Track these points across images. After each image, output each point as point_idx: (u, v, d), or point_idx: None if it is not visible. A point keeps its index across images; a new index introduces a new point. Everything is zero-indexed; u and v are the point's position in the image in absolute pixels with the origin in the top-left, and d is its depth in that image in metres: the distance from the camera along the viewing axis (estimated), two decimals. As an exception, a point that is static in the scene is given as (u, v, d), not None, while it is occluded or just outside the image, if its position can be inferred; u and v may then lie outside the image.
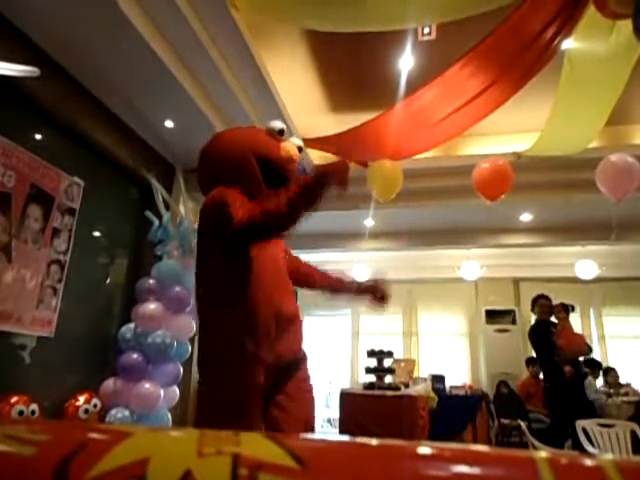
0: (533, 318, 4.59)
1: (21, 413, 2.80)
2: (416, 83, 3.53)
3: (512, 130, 4.61)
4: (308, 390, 1.63)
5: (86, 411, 3.29)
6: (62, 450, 0.33)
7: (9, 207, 2.97)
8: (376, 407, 3.90)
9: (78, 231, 3.54)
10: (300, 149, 1.74)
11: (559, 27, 2.93)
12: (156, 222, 3.61)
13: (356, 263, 6.92)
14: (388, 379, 4.40)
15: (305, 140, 4.33)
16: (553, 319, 4.38)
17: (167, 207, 3.75)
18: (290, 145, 1.70)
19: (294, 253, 1.87)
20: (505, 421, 5.61)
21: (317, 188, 1.37)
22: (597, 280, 6.70)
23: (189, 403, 4.22)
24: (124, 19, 2.78)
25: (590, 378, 5.01)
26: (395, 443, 0.36)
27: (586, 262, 6.27)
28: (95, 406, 3.34)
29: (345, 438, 0.36)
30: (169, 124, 3.94)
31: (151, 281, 3.46)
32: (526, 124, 4.38)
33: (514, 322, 7.22)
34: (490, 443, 5.25)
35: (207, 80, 3.57)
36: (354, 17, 2.93)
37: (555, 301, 4.45)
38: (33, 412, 2.88)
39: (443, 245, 6.59)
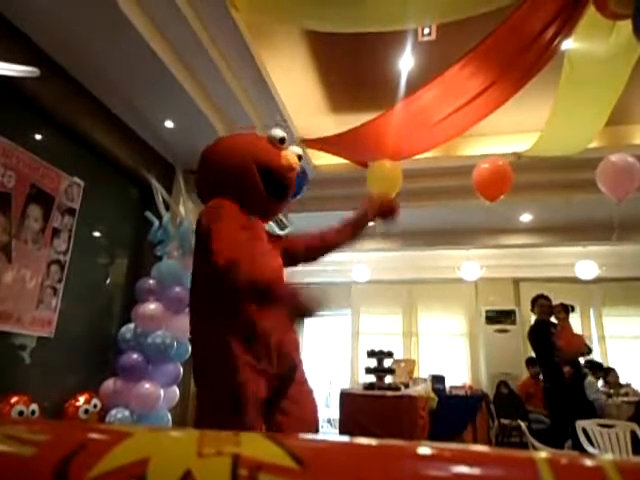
0: (533, 318, 4.58)
1: (21, 413, 2.80)
2: (416, 83, 3.53)
3: (512, 130, 4.61)
4: (309, 392, 1.64)
5: (86, 411, 3.29)
6: (62, 450, 0.33)
7: (9, 207, 2.97)
8: (376, 407, 3.90)
9: (78, 231, 3.53)
10: (300, 157, 1.76)
11: (559, 27, 2.93)
12: (156, 222, 3.61)
13: (356, 263, 6.93)
14: (388, 379, 4.40)
15: (305, 140, 4.34)
16: (553, 319, 4.38)
17: (167, 207, 3.75)
18: (291, 154, 1.71)
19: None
20: (505, 421, 5.61)
21: (274, 300, 1.39)
22: (597, 280, 6.71)
23: (189, 403, 4.22)
24: (124, 19, 2.78)
25: (590, 378, 5.01)
26: (395, 443, 0.36)
27: (586, 262, 6.28)
28: (95, 406, 3.34)
29: (345, 438, 0.36)
30: (169, 124, 3.94)
31: (151, 281, 3.46)
32: (526, 124, 4.38)
33: (514, 322, 7.22)
34: (490, 443, 5.26)
35: (207, 80, 3.57)
36: (354, 17, 2.93)
37: (555, 301, 4.45)
38: (33, 412, 2.88)
39: (443, 245, 6.59)
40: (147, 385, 3.20)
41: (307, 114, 4.51)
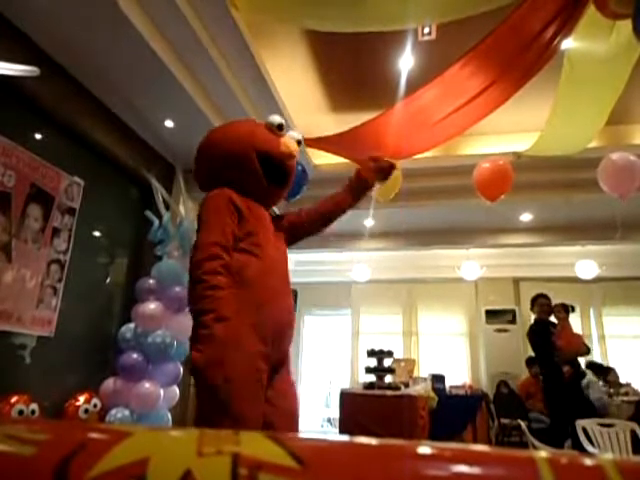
0: (533, 318, 4.59)
1: (21, 413, 2.80)
2: (416, 83, 3.53)
3: (512, 130, 4.61)
4: (293, 384, 1.64)
5: (86, 411, 3.29)
6: (62, 450, 0.33)
7: (9, 207, 2.97)
8: (376, 407, 3.91)
9: (78, 231, 3.54)
10: (299, 143, 1.74)
11: (559, 27, 2.92)
12: (156, 222, 3.61)
13: (356, 263, 6.93)
14: (388, 379, 4.40)
15: (305, 140, 4.33)
16: (552, 319, 4.38)
17: (167, 207, 3.75)
18: (290, 140, 1.70)
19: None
20: (505, 421, 5.62)
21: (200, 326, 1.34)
22: (597, 280, 6.71)
23: (189, 403, 4.22)
24: (124, 19, 2.78)
25: (592, 378, 5.02)
26: (395, 443, 0.36)
27: (586, 262, 6.27)
28: (95, 406, 3.35)
29: (345, 438, 0.36)
30: (169, 124, 3.94)
31: (151, 281, 3.46)
32: (526, 124, 4.38)
33: (514, 322, 7.22)
34: (490, 443, 5.26)
35: (207, 80, 3.57)
36: (354, 17, 2.93)
37: (555, 301, 4.45)
38: (33, 412, 2.89)
39: (443, 245, 6.59)
40: (147, 385, 3.20)
41: (307, 113, 4.51)
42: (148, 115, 3.83)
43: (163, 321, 3.33)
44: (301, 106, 4.40)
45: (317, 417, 7.95)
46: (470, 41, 3.08)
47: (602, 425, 3.46)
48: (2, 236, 2.93)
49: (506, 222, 6.02)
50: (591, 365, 5.80)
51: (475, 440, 5.05)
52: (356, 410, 3.96)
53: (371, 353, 4.46)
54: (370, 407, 3.92)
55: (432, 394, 5.06)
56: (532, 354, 4.78)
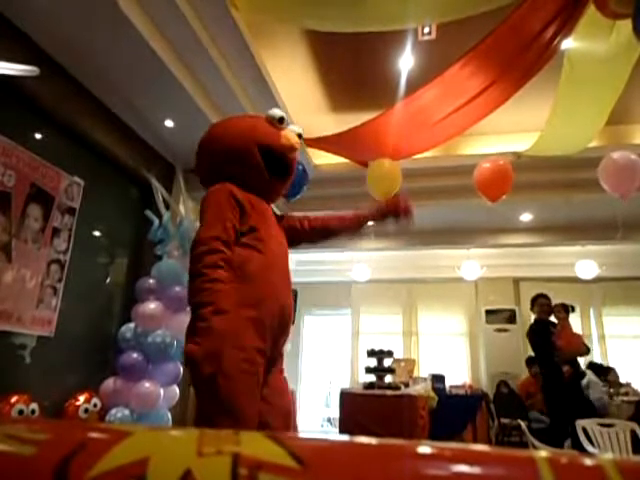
0: (533, 317, 4.59)
1: (21, 412, 2.80)
2: (416, 83, 3.53)
3: (512, 130, 4.61)
4: (286, 381, 1.64)
5: (86, 410, 3.29)
6: (62, 450, 0.33)
7: (9, 207, 2.97)
8: (376, 407, 3.91)
9: (78, 231, 3.53)
10: (300, 136, 1.74)
11: (559, 27, 2.93)
12: (156, 222, 3.61)
13: (356, 263, 6.93)
14: (388, 379, 4.40)
15: (305, 140, 4.33)
16: (552, 319, 4.38)
17: (167, 207, 3.75)
18: (291, 133, 1.70)
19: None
20: (505, 421, 5.62)
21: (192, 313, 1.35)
22: (597, 280, 6.71)
23: (189, 402, 4.22)
24: (124, 19, 2.78)
25: (591, 377, 5.02)
26: (395, 443, 0.36)
27: (586, 262, 6.28)
28: (95, 405, 3.35)
29: (345, 438, 0.36)
30: (169, 123, 3.94)
31: (151, 281, 3.46)
32: (526, 124, 4.38)
33: (514, 322, 7.22)
34: (490, 443, 5.26)
35: (207, 79, 3.57)
36: (354, 17, 2.93)
37: (555, 301, 4.45)
38: (33, 411, 2.89)
39: (443, 245, 6.59)
40: (147, 384, 3.20)
41: (307, 113, 4.51)
42: (148, 115, 3.83)
43: (163, 321, 3.33)
44: (301, 106, 4.40)
45: (317, 417, 7.95)
46: (470, 41, 3.08)
47: (602, 425, 3.46)
48: (2, 236, 2.93)
49: (506, 222, 6.02)
50: (592, 365, 5.80)
51: (475, 440, 5.05)
52: (356, 410, 3.96)
53: (371, 353, 4.46)
54: (370, 407, 3.92)
55: (432, 394, 5.06)
56: (532, 354, 4.78)
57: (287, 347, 1.65)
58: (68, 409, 3.26)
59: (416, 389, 4.65)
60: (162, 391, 3.27)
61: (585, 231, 5.94)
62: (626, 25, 2.53)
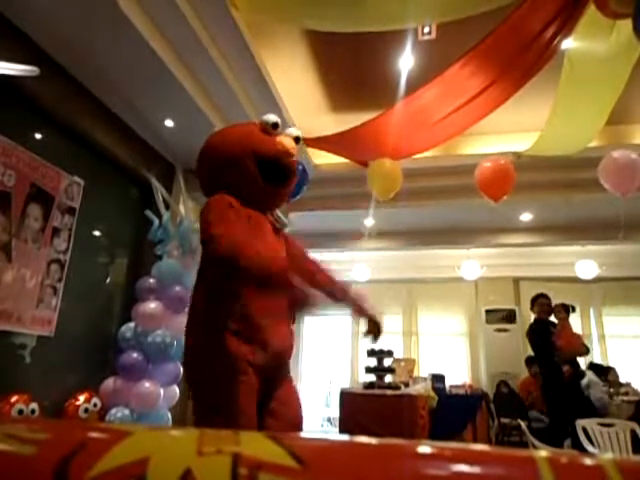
0: (533, 317, 4.59)
1: (21, 412, 2.80)
2: (416, 83, 3.53)
3: (512, 129, 4.61)
4: (295, 392, 1.65)
5: (86, 410, 3.29)
6: (62, 449, 0.33)
7: (9, 206, 2.97)
8: (376, 406, 3.90)
9: (78, 230, 3.53)
10: (297, 139, 1.73)
11: (559, 27, 2.93)
12: (156, 221, 3.61)
13: (356, 263, 6.93)
14: (388, 378, 4.40)
15: (305, 140, 4.33)
16: (552, 319, 4.38)
17: (167, 206, 3.75)
18: (285, 139, 1.69)
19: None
20: (505, 420, 5.62)
21: (280, 287, 1.44)
22: (597, 280, 6.71)
23: (189, 402, 4.22)
24: (124, 19, 2.78)
25: (591, 377, 5.02)
26: (395, 443, 0.36)
27: (586, 262, 6.28)
28: (95, 405, 3.34)
29: (345, 438, 0.36)
30: (169, 123, 3.94)
31: (151, 280, 3.46)
32: (526, 124, 4.38)
33: (514, 322, 7.22)
34: (490, 442, 5.26)
35: (207, 79, 3.57)
36: (354, 17, 2.93)
37: (555, 301, 4.45)
38: (33, 411, 2.88)
39: (443, 245, 6.59)
40: (147, 384, 3.20)
41: (307, 113, 4.51)
42: (148, 115, 3.83)
43: (163, 321, 3.33)
44: (301, 106, 4.40)
45: (317, 417, 7.95)
46: (470, 41, 3.08)
47: (602, 425, 3.46)
48: (2, 236, 2.93)
49: (506, 222, 6.02)
50: (592, 366, 5.80)
51: (475, 440, 5.04)
52: (356, 410, 3.96)
53: (371, 353, 4.45)
54: (370, 407, 3.92)
55: (432, 394, 5.06)
56: (532, 353, 4.78)
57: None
58: (68, 409, 3.26)
59: (416, 389, 4.65)
60: (162, 391, 3.27)
61: (585, 231, 5.94)
62: (626, 25, 2.52)
